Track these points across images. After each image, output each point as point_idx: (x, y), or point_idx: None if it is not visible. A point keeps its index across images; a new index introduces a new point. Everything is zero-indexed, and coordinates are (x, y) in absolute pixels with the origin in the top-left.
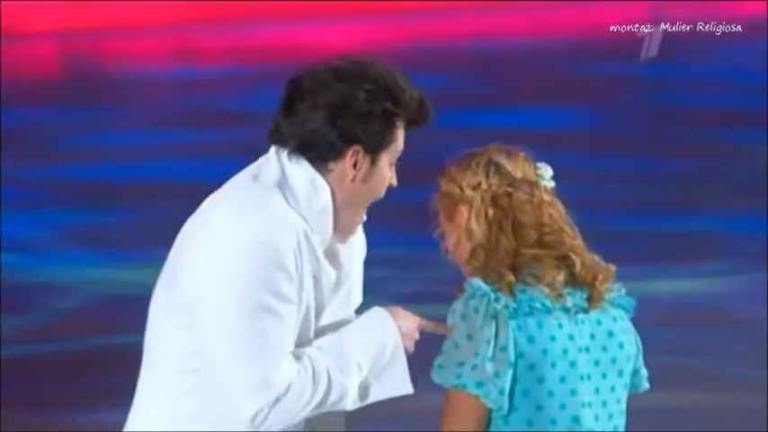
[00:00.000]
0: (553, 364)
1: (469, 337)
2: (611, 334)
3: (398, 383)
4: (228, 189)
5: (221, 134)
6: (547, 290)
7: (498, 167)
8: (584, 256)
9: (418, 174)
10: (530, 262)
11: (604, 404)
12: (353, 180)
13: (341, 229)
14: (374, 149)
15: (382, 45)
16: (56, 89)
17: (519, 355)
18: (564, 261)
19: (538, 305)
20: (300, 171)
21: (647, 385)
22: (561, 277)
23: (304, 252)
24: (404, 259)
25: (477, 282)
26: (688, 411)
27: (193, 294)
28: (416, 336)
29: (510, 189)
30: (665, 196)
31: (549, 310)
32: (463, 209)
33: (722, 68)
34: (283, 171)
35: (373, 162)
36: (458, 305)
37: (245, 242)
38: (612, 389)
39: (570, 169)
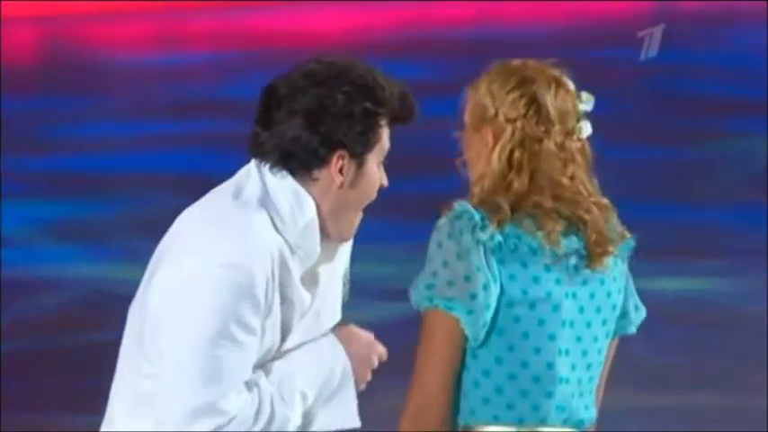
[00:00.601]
0: (532, 305)
1: (459, 256)
2: (602, 282)
3: (345, 415)
4: (208, 204)
5: (209, 123)
6: (540, 234)
7: (540, 107)
8: (598, 221)
9: (414, 164)
10: (533, 208)
11: (584, 353)
12: (341, 186)
13: (335, 236)
14: (359, 152)
15: (376, 31)
16: (37, 77)
17: (500, 290)
18: (576, 219)
19: (525, 247)
20: (283, 186)
21: (633, 330)
22: (560, 227)
23: (277, 278)
24: (397, 253)
25: (465, 205)
26: (687, 410)
27: (157, 313)
28: (374, 362)
29: (543, 136)
30: (666, 187)
31: (535, 252)
32: (490, 132)
33: (724, 56)
34: (265, 187)
35: (360, 165)
36: (443, 223)
37: (215, 265)
38: (595, 339)
39: None
